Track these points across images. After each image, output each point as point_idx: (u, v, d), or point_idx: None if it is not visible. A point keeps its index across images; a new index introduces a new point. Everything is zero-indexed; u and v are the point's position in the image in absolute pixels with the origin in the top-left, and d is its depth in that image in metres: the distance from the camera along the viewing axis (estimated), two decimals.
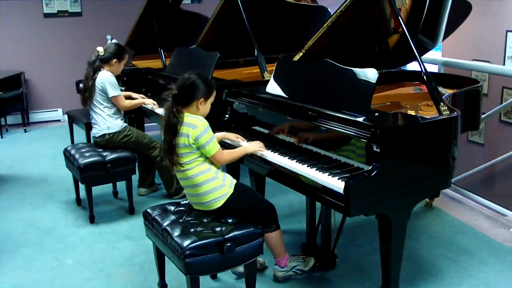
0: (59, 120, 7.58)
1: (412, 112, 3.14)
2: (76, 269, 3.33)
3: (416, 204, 2.67)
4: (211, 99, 2.82)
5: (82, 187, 4.14)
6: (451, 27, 3.89)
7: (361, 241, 3.56)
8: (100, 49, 4.08)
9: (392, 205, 2.51)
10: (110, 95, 4.02)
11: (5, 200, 4.51)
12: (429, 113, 3.06)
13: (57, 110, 7.56)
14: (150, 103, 4.45)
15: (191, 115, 2.71)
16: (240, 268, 2.96)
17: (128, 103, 4.24)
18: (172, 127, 2.65)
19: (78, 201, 4.35)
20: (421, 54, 3.79)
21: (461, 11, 3.86)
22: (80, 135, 5.72)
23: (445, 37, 3.89)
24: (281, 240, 2.97)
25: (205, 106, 2.79)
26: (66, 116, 6.83)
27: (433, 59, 4.66)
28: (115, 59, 4.11)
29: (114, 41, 6.58)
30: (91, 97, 4.04)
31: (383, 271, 2.69)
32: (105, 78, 4.02)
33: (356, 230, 3.66)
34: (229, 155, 2.86)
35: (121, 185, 4.44)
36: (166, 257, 2.82)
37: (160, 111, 4.35)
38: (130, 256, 3.47)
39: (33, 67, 7.26)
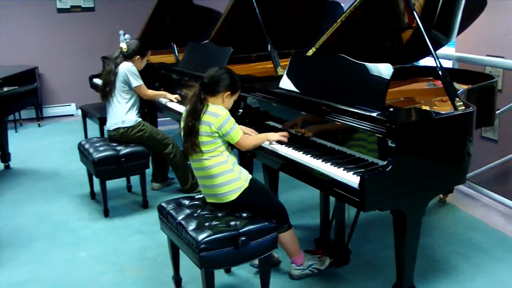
0: (72, 115, 7.64)
1: (427, 108, 3.12)
2: (89, 263, 3.35)
3: (431, 200, 2.66)
4: (235, 97, 2.90)
5: (95, 181, 4.17)
6: (466, 22, 3.85)
7: (374, 237, 3.55)
8: (124, 46, 4.13)
9: (407, 201, 2.50)
10: (133, 85, 4.06)
11: (19, 193, 4.55)
12: (444, 108, 3.04)
13: (70, 105, 7.64)
14: (173, 98, 4.46)
15: (213, 105, 2.75)
16: None
17: (151, 92, 4.31)
18: (196, 112, 2.70)
19: (92, 194, 4.38)
20: (435, 49, 3.79)
21: (476, 6, 3.82)
22: (93, 129, 5.76)
23: (459, 32, 3.86)
24: (294, 239, 2.97)
25: (229, 101, 2.86)
26: (79, 111, 6.89)
27: (447, 55, 4.63)
28: (138, 56, 4.16)
29: (127, 36, 6.61)
30: (111, 92, 4.06)
31: (398, 267, 2.68)
32: (126, 68, 4.06)
33: (368, 226, 3.65)
34: (253, 140, 2.91)
35: (134, 180, 4.47)
36: (180, 251, 2.84)
37: (175, 106, 4.36)
38: (143, 250, 3.49)
39: (46, 62, 7.33)
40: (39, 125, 7.09)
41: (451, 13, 3.61)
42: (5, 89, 4.21)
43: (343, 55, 2.92)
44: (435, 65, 2.86)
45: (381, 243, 3.45)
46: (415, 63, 4.10)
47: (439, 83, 3.76)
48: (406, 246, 2.60)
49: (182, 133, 2.78)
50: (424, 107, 3.13)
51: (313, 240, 3.35)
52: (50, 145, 6.11)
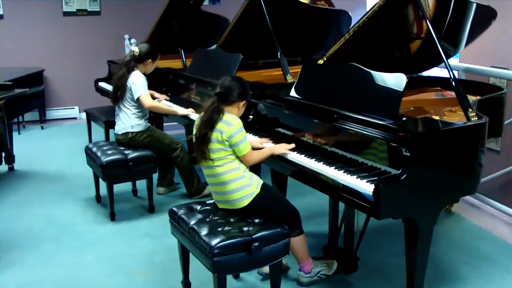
0: (75, 118, 7.64)
1: (437, 118, 3.15)
2: (96, 266, 3.35)
3: (442, 209, 2.68)
4: (246, 104, 2.92)
5: (101, 184, 4.18)
6: (474, 34, 3.89)
7: (380, 245, 3.57)
8: (136, 49, 4.12)
9: (420, 209, 2.52)
10: (136, 95, 4.03)
11: (25, 195, 4.55)
12: (454, 118, 3.06)
13: (73, 108, 7.63)
14: (187, 112, 4.25)
15: (227, 113, 2.77)
16: (267, 269, 2.98)
17: (153, 103, 4.18)
18: (213, 122, 2.72)
19: (98, 198, 4.38)
20: (443, 60, 3.82)
21: (485, 17, 3.85)
22: (96, 133, 5.76)
23: (468, 43, 3.89)
24: (304, 245, 2.99)
25: (243, 109, 2.89)
26: (82, 114, 6.91)
27: (454, 66, 4.66)
28: (150, 59, 4.16)
29: (133, 40, 6.62)
30: (123, 97, 4.06)
31: (408, 275, 2.69)
32: (135, 79, 4.04)
33: (375, 234, 3.65)
34: (258, 155, 2.89)
35: (140, 184, 4.48)
36: (189, 256, 2.86)
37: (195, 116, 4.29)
38: (150, 254, 3.49)
39: (50, 64, 7.31)
40: (42, 128, 7.09)
41: (459, 25, 3.64)
42: (16, 91, 4.22)
43: (356, 64, 2.94)
44: (443, 75, 2.89)
45: (388, 251, 3.47)
46: (419, 73, 4.12)
47: (447, 93, 3.79)
48: (417, 254, 2.61)
49: (194, 140, 2.79)
50: (434, 117, 3.15)
51: (321, 247, 3.36)
52: (54, 148, 6.11)
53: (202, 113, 2.79)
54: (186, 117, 4.27)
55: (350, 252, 3.18)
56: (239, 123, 2.74)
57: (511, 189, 4.68)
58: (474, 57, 5.58)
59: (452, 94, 3.72)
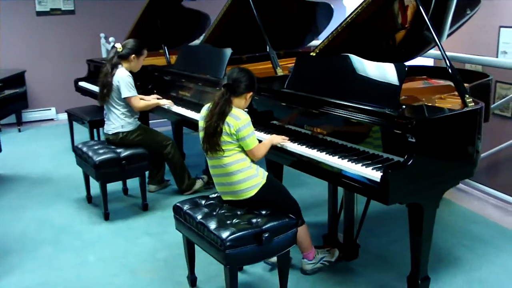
0: (52, 119, 7.51)
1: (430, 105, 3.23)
2: (99, 266, 3.33)
3: (444, 192, 2.77)
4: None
5: (92, 184, 4.13)
6: (458, 20, 3.98)
7: (379, 232, 3.65)
8: (118, 45, 4.08)
9: (425, 194, 2.59)
10: (123, 95, 3.99)
11: (15, 199, 4.47)
12: (445, 105, 3.15)
13: (50, 109, 7.50)
14: (166, 103, 4.37)
15: (236, 108, 2.80)
16: (274, 258, 3.02)
17: (143, 104, 4.19)
18: (225, 114, 2.74)
19: (89, 198, 4.34)
20: (426, 50, 3.91)
21: (469, 5, 3.95)
22: (78, 133, 5.68)
23: (452, 30, 3.98)
24: (307, 234, 3.04)
25: (249, 100, 2.92)
26: (59, 115, 6.79)
27: (435, 54, 4.77)
28: (134, 55, 4.10)
29: (111, 39, 6.55)
30: (109, 94, 4.01)
31: (413, 259, 2.77)
32: (121, 78, 3.99)
33: (372, 221, 3.71)
34: (264, 148, 2.92)
35: (130, 183, 4.46)
36: (195, 250, 2.89)
37: (177, 109, 4.31)
38: (152, 251, 3.49)
39: (24, 65, 7.12)
40: (19, 130, 6.92)
41: (442, 15, 3.73)
42: (6, 92, 4.13)
43: (353, 55, 2.99)
44: (427, 64, 2.95)
45: (387, 238, 3.56)
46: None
47: (433, 82, 3.89)
48: (422, 238, 2.69)
49: (202, 133, 2.81)
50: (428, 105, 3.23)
51: (321, 236, 3.41)
52: (36, 150, 5.99)
53: (210, 106, 2.81)
54: (176, 113, 4.27)
55: (350, 239, 3.24)
56: (247, 117, 2.78)
57: (494, 172, 4.85)
58: (449, 46, 5.71)
59: (438, 82, 3.83)
